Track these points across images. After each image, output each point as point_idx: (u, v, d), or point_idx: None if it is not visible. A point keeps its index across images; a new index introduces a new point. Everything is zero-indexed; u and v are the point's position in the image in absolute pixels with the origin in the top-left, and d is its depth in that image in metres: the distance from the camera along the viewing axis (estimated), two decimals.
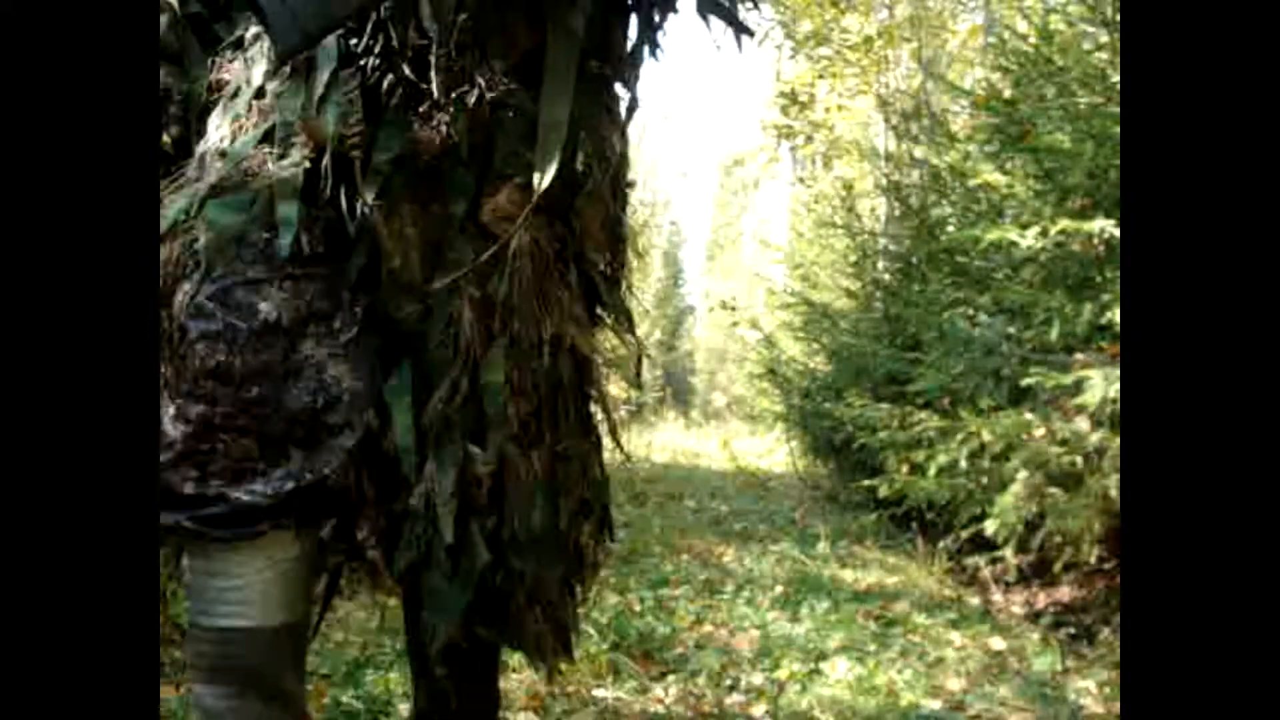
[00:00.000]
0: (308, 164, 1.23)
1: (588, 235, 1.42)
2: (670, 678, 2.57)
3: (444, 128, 1.29)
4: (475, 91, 1.29)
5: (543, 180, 1.28)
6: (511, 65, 1.32)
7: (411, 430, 1.26)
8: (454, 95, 1.28)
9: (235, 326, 1.16)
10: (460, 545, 1.28)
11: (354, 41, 1.27)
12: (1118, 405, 2.63)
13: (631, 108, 1.50)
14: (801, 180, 11.57)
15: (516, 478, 1.31)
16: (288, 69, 1.27)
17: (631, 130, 1.52)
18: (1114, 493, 2.70)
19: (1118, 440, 2.72)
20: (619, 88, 1.49)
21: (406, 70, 1.28)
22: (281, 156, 1.25)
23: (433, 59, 1.27)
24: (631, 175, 1.60)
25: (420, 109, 1.29)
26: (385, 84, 1.29)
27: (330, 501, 1.22)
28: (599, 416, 1.50)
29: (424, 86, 1.28)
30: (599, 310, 1.50)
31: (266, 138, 1.27)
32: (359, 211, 1.25)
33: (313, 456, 1.18)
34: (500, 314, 1.32)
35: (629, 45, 1.48)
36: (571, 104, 1.31)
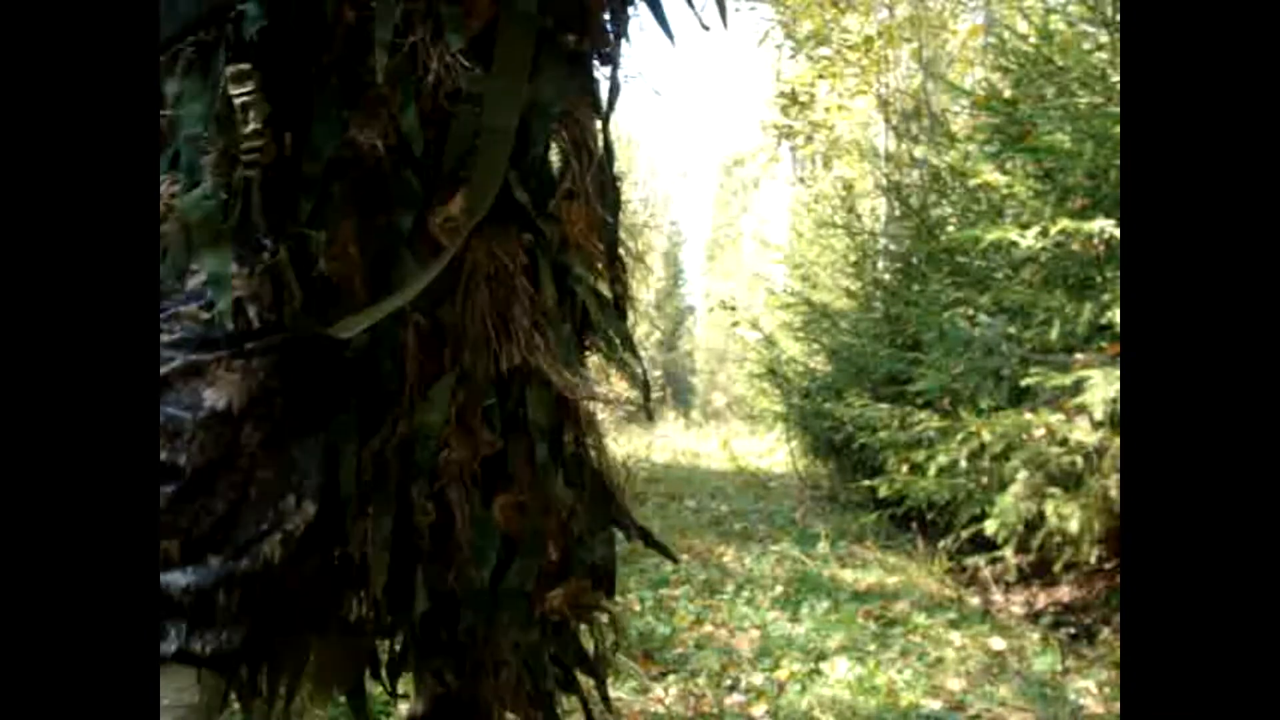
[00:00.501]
0: (223, 194, 1.00)
1: (570, 244, 1.22)
2: (670, 678, 2.57)
3: (389, 123, 1.07)
4: (428, 76, 1.07)
5: (481, 200, 1.08)
6: (469, 40, 1.10)
7: (354, 477, 1.10)
8: (401, 81, 1.07)
9: (178, 419, 0.94)
10: (402, 592, 1.15)
11: (261, 22, 1.02)
12: (1118, 405, 2.63)
13: (614, 90, 1.28)
14: (801, 180, 11.58)
15: (461, 528, 1.15)
16: (180, 66, 1.03)
17: (617, 116, 1.31)
18: (1114, 493, 2.70)
19: (1118, 440, 2.72)
20: (598, 66, 1.27)
21: (341, 53, 1.05)
22: (192, 185, 1.00)
23: (375, 36, 1.03)
24: (620, 168, 1.37)
25: (360, 101, 1.07)
26: (314, 72, 1.06)
27: (250, 636, 1.00)
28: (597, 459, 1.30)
29: (363, 73, 1.05)
30: (590, 335, 1.30)
31: (175, 161, 1.02)
32: (283, 236, 1.03)
33: (230, 562, 0.97)
34: (450, 344, 1.13)
35: (607, 15, 1.25)
36: (521, 110, 1.11)
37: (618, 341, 1.30)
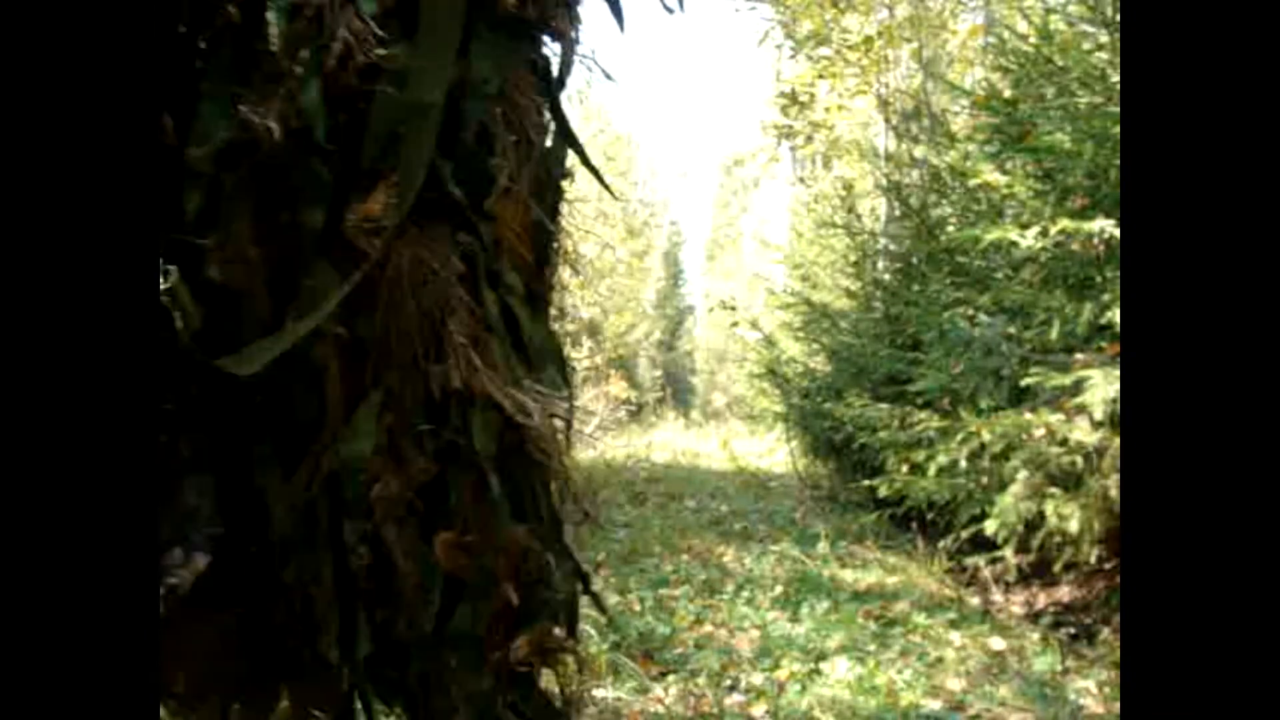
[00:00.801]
0: None
1: (503, 248, 1.08)
2: (670, 678, 2.57)
3: (290, 103, 0.92)
4: (335, 47, 0.93)
5: (403, 195, 0.96)
6: (388, 5, 0.97)
7: (289, 518, 0.98)
8: (303, 52, 0.92)
9: None
10: (346, 635, 1.04)
11: None
12: (1118, 405, 2.63)
13: (564, 69, 1.13)
14: (801, 180, 11.58)
15: (399, 569, 1.03)
16: None
17: (569, 99, 1.15)
18: (1114, 493, 2.70)
19: (1118, 440, 2.72)
20: (547, 42, 1.13)
21: (232, 18, 0.90)
22: None
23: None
24: (569, 164, 1.19)
25: (255, 76, 0.92)
26: (200, 40, 0.91)
27: None
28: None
29: (259, 42, 0.91)
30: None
31: None
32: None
33: None
34: (374, 362, 1.00)
35: None
36: (448, 82, 0.96)
37: (546, 359, 1.15)
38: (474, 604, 1.08)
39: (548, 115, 1.13)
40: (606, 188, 1.35)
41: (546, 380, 1.15)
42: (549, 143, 1.14)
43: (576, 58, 1.16)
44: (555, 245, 1.17)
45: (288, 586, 1.00)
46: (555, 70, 1.14)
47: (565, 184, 1.22)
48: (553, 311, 1.21)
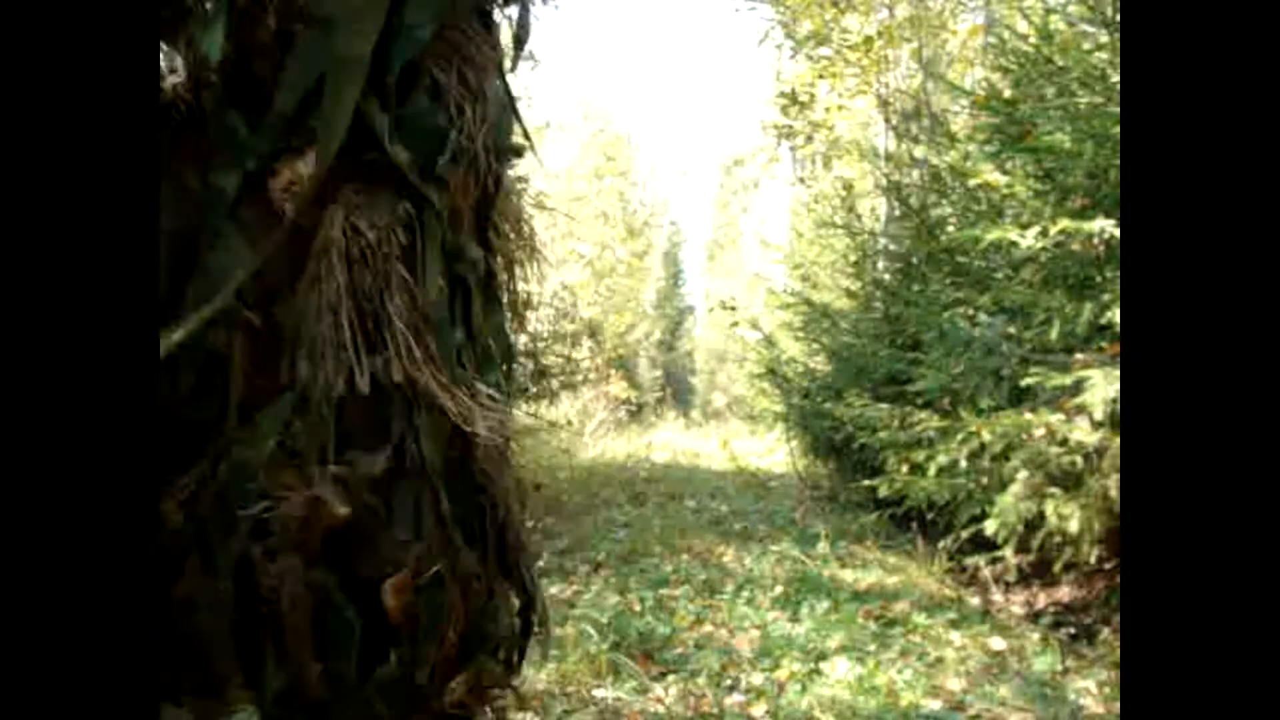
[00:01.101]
0: None
1: (461, 220, 0.94)
2: (670, 678, 2.57)
3: (197, 51, 0.81)
4: None
5: (325, 150, 0.83)
6: None
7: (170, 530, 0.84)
8: None
9: None
10: (252, 663, 0.90)
11: None
12: (1118, 405, 2.63)
13: (521, 29, 1.03)
14: (801, 180, 11.58)
15: (290, 611, 0.87)
16: None
17: (526, 65, 1.03)
18: (1114, 493, 2.70)
19: (1118, 440, 2.72)
20: (500, 4, 1.04)
21: None
22: None
23: None
24: (517, 136, 1.06)
25: (160, 16, 0.81)
26: None
27: None
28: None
29: None
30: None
31: None
32: None
33: None
34: (288, 352, 0.84)
35: None
36: (377, 34, 0.84)
37: (496, 368, 0.98)
38: (418, 649, 0.91)
39: (496, 74, 1.01)
40: (536, 156, 1.22)
41: (489, 386, 0.98)
42: (493, 100, 1.01)
43: (534, 18, 1.05)
44: (500, 214, 1.03)
45: (179, 602, 0.87)
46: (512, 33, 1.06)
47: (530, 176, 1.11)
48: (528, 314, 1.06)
